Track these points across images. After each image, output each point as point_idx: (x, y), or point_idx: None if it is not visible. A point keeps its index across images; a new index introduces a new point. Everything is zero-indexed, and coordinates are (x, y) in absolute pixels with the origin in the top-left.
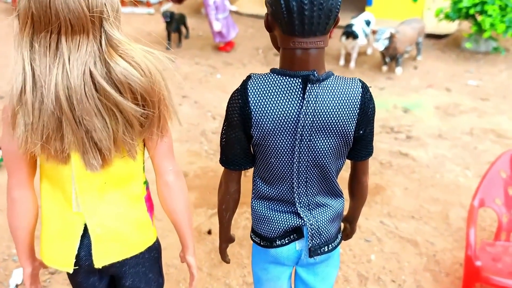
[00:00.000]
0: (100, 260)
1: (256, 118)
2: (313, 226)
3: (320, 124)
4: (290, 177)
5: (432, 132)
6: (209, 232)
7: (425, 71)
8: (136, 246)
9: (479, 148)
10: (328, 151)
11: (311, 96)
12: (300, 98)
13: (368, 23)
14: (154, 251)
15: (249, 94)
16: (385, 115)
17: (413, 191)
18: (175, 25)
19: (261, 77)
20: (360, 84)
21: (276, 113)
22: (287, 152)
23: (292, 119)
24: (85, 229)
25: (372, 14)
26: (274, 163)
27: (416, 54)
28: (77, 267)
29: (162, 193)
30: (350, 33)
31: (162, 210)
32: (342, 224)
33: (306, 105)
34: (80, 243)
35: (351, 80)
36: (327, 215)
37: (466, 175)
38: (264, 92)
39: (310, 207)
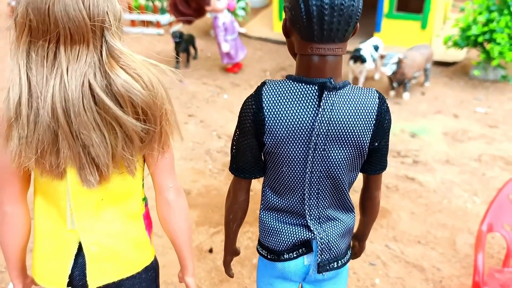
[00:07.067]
0: (95, 280)
1: (270, 124)
2: (323, 240)
3: (335, 133)
4: (301, 188)
5: (439, 158)
6: (210, 251)
7: (433, 97)
8: (133, 265)
9: (488, 174)
10: (342, 162)
11: (327, 104)
12: (316, 105)
13: (376, 48)
14: (152, 271)
15: (264, 100)
16: (392, 139)
17: (419, 215)
18: (184, 45)
19: (276, 83)
20: (377, 94)
21: (291, 120)
22: (300, 161)
23: (306, 127)
24: (80, 247)
25: (381, 40)
26: (286, 172)
27: (424, 80)
28: (70, 287)
29: (162, 212)
30: (358, 57)
31: None
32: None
33: (321, 113)
34: (74, 262)
35: (368, 90)
36: (338, 230)
37: (474, 201)
38: (279, 98)
39: (320, 220)
